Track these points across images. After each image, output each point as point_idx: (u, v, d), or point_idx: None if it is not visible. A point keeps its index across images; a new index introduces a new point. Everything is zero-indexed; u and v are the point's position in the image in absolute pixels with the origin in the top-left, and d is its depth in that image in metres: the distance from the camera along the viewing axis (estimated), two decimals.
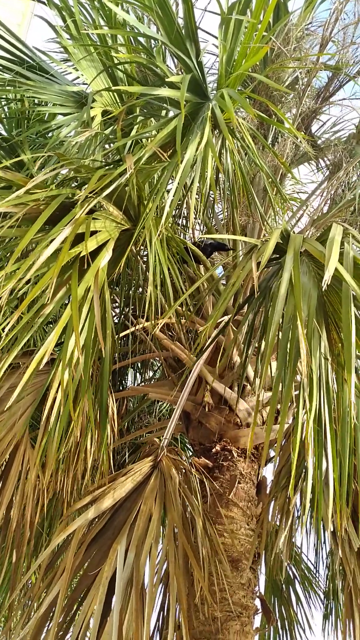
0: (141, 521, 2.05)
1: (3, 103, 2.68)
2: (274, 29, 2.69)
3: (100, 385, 2.00)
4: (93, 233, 1.90)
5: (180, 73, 2.18)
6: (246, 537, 2.53)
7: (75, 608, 1.97)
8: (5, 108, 2.72)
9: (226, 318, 2.44)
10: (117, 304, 3.05)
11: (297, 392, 1.86)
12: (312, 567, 3.56)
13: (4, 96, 2.61)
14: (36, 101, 2.68)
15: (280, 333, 1.84)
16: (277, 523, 2.46)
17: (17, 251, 1.67)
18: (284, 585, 3.45)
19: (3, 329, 1.86)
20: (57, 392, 1.79)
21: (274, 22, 2.83)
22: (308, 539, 3.52)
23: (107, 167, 2.07)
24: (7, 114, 2.72)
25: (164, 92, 2.03)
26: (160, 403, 3.40)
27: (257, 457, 2.72)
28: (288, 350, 1.76)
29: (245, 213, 2.85)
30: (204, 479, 2.42)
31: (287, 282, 1.79)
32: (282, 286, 1.78)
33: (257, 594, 2.60)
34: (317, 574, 3.54)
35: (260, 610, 2.62)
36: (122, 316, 3.01)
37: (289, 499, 2.34)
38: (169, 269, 2.10)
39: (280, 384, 1.77)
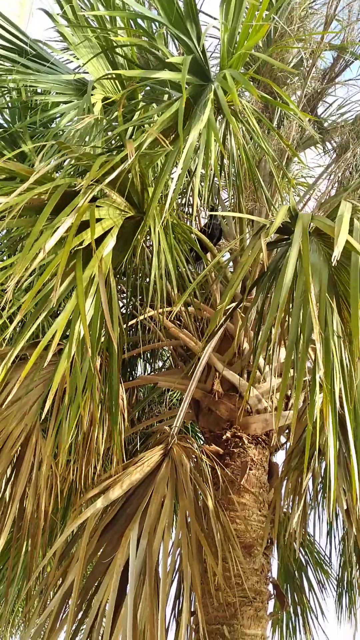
0: (153, 509, 2.05)
1: (3, 92, 2.66)
2: (277, 6, 2.62)
3: (110, 375, 1.99)
4: (97, 221, 1.87)
5: (182, 56, 2.14)
6: (258, 523, 2.53)
7: (90, 595, 1.98)
8: (6, 97, 2.69)
9: (234, 305, 2.42)
10: (124, 295, 3.03)
11: (307, 377, 1.83)
12: (325, 554, 3.57)
13: (4, 86, 2.59)
14: (37, 90, 2.66)
15: (290, 314, 1.81)
16: (289, 509, 2.45)
17: (28, 243, 1.65)
18: (296, 572, 3.46)
19: (10, 320, 1.86)
20: (64, 382, 1.78)
21: (276, 0, 2.77)
22: (320, 525, 3.52)
23: (108, 154, 2.04)
24: (8, 103, 2.69)
25: (165, 74, 2.00)
26: (170, 392, 3.39)
27: (267, 443, 2.71)
28: (299, 329, 1.73)
29: (251, 198, 2.81)
30: (215, 466, 2.42)
31: (295, 256, 1.75)
32: (291, 260, 1.75)
33: (271, 580, 2.60)
34: (330, 561, 3.54)
35: (273, 596, 2.63)
36: (131, 306, 3.00)
37: (300, 480, 2.33)
38: (175, 257, 2.08)
39: (292, 366, 1.74)
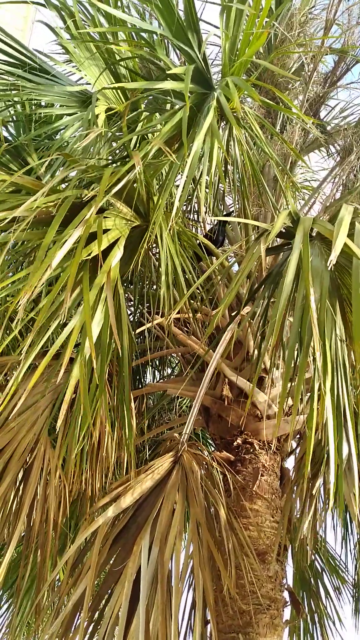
0: (164, 516, 2.05)
1: (7, 106, 2.69)
2: (277, 13, 2.64)
3: (120, 383, 2.00)
4: (104, 232, 1.89)
5: (184, 65, 2.16)
6: (271, 529, 2.51)
7: (103, 605, 1.98)
8: (11, 111, 2.73)
9: (240, 309, 2.42)
10: (132, 302, 3.05)
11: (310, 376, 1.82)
12: (340, 560, 3.53)
13: (9, 99, 2.62)
14: (41, 103, 2.69)
15: (292, 318, 1.81)
16: (302, 515, 2.43)
17: (40, 256, 1.67)
18: (312, 578, 3.42)
19: (21, 333, 1.87)
20: (74, 392, 1.79)
21: (276, 7, 2.79)
22: (335, 530, 3.49)
23: (114, 165, 2.06)
24: (13, 117, 2.73)
25: (167, 84, 2.02)
26: (180, 399, 3.39)
27: (279, 448, 2.70)
28: (300, 332, 1.73)
29: (256, 203, 2.82)
30: (227, 473, 2.41)
31: (296, 261, 1.76)
32: (291, 264, 1.75)
33: (286, 587, 2.58)
34: (346, 567, 3.50)
35: (289, 603, 2.61)
36: (138, 314, 3.01)
37: (311, 485, 2.31)
38: (181, 264, 2.09)
39: (295, 371, 1.74)
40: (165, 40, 2.47)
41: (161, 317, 2.62)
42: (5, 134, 2.75)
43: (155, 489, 2.22)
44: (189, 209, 2.90)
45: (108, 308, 1.74)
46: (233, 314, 2.65)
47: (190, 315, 2.65)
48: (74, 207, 1.85)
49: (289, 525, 2.58)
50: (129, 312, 3.11)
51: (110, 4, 2.46)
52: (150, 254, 2.49)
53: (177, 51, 2.73)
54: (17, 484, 2.32)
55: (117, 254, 1.87)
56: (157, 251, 2.20)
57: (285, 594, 2.57)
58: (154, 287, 2.70)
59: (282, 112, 2.77)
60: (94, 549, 1.96)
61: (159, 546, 1.97)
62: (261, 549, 2.44)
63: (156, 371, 3.65)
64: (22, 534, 2.34)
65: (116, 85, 2.45)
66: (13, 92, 2.54)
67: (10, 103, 2.67)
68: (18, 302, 1.62)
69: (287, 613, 2.59)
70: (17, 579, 2.56)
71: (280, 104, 2.84)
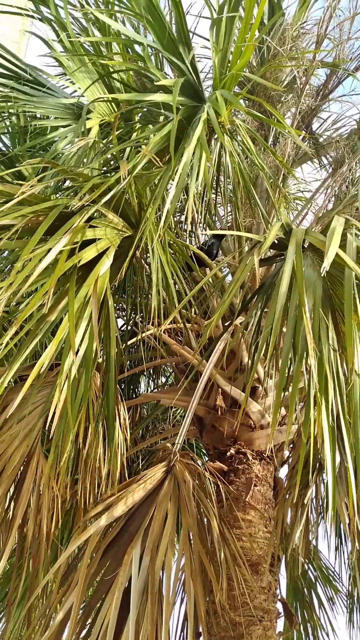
0: (155, 526, 2.04)
1: (2, 118, 2.72)
2: (267, 27, 2.68)
3: (106, 394, 2.00)
4: (93, 241, 1.91)
5: (176, 78, 2.19)
6: (264, 539, 2.51)
7: (93, 615, 1.96)
8: (6, 122, 2.75)
9: (233, 319, 2.43)
10: (124, 312, 3.05)
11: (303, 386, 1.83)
12: (334, 570, 3.51)
13: (3, 111, 2.65)
14: (36, 115, 2.72)
15: (285, 328, 1.82)
16: (293, 523, 2.43)
17: (20, 262, 1.68)
18: (305, 589, 3.40)
19: (8, 341, 1.87)
20: (61, 403, 1.79)
21: (268, 21, 2.83)
22: (329, 540, 3.48)
23: (104, 175, 2.08)
24: (8, 128, 2.76)
25: (157, 97, 2.05)
26: (174, 409, 3.39)
27: (272, 458, 2.70)
28: (294, 342, 1.74)
29: (249, 214, 2.84)
30: (219, 483, 2.41)
31: (289, 271, 1.78)
32: (284, 275, 1.77)
33: (279, 598, 2.57)
34: (340, 577, 3.49)
35: (282, 614, 2.59)
36: (131, 323, 3.02)
37: (303, 494, 2.31)
38: (172, 273, 2.10)
39: (288, 382, 1.75)
40: (160, 54, 2.50)
41: (152, 326, 2.63)
42: (0, 145, 2.78)
43: (147, 499, 2.22)
44: (181, 219, 2.92)
45: (93, 317, 1.74)
46: (226, 324, 2.66)
47: (183, 325, 2.66)
48: (64, 217, 1.86)
49: (282, 536, 2.57)
50: (122, 322, 3.12)
51: (104, 14, 2.49)
52: (144, 263, 2.50)
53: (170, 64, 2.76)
54: (10, 495, 2.31)
55: (106, 263, 1.88)
56: (149, 261, 2.21)
57: (279, 605, 2.56)
58: (147, 296, 2.71)
59: (273, 125, 2.80)
60: (85, 559, 1.95)
61: (150, 556, 1.97)
62: (254, 560, 2.44)
63: (150, 380, 3.65)
64: (14, 546, 2.33)
65: (107, 96, 2.48)
66: (8, 104, 2.57)
67: (5, 115, 2.70)
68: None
69: (280, 624, 2.58)
70: (7, 590, 2.54)
71: (273, 117, 2.87)
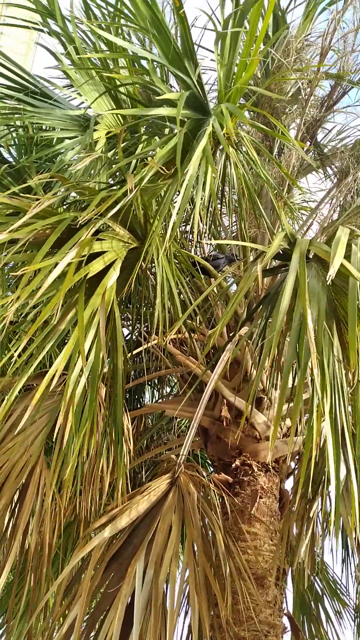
0: (159, 538, 2.03)
1: (9, 130, 2.75)
2: (272, 41, 2.71)
3: (113, 404, 2.00)
4: (100, 254, 1.92)
5: (181, 90, 2.22)
6: (270, 553, 2.48)
7: (96, 629, 1.95)
8: (13, 134, 2.78)
9: (237, 329, 2.43)
10: (129, 322, 3.06)
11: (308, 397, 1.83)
12: (341, 582, 3.47)
13: (11, 123, 2.68)
14: (42, 127, 2.74)
15: (289, 338, 1.82)
16: (299, 536, 2.40)
17: (26, 276, 1.69)
18: (312, 603, 3.36)
19: (17, 352, 1.87)
20: (67, 414, 1.79)
21: (272, 34, 2.85)
22: (335, 553, 3.44)
23: (110, 188, 2.10)
24: (15, 140, 2.78)
25: (162, 111, 2.07)
26: (178, 419, 3.38)
27: (277, 470, 2.68)
28: (298, 352, 1.73)
29: (253, 225, 2.85)
30: (224, 495, 2.39)
31: (292, 282, 1.78)
32: (288, 285, 1.77)
33: (285, 612, 2.54)
34: (347, 590, 3.44)
35: (288, 629, 2.56)
36: (137, 333, 3.02)
37: (309, 507, 2.29)
38: (177, 284, 2.11)
39: (292, 393, 1.74)
40: (165, 67, 2.52)
41: (158, 336, 2.63)
42: (7, 156, 2.80)
43: (151, 511, 2.21)
44: (186, 228, 2.93)
45: (100, 329, 1.75)
46: (231, 334, 2.66)
47: (188, 336, 2.66)
48: (71, 230, 1.87)
49: (287, 549, 2.54)
50: (127, 332, 3.13)
51: (111, 30, 2.53)
52: (149, 273, 2.51)
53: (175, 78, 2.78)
54: (13, 505, 2.30)
55: (113, 275, 1.90)
56: (155, 272, 2.22)
57: (285, 620, 2.53)
58: (152, 306, 2.71)
59: (277, 137, 2.81)
60: (88, 571, 1.94)
61: (154, 569, 1.95)
62: (259, 573, 2.41)
63: (155, 390, 3.64)
64: (16, 557, 2.31)
65: (114, 111, 2.50)
66: (15, 115, 2.59)
67: (12, 126, 2.72)
68: (3, 321, 1.64)
69: (286, 639, 2.54)
70: (9, 602, 2.53)
71: (278, 128, 2.89)
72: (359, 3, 3.03)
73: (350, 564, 3.41)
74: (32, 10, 2.68)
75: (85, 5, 2.64)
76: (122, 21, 2.33)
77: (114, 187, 2.11)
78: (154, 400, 3.58)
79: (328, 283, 1.67)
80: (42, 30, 2.70)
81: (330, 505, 1.88)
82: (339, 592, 3.47)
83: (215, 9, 2.76)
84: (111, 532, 2.07)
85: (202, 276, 2.57)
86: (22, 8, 2.65)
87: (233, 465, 2.63)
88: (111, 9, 2.44)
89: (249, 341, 2.66)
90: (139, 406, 3.35)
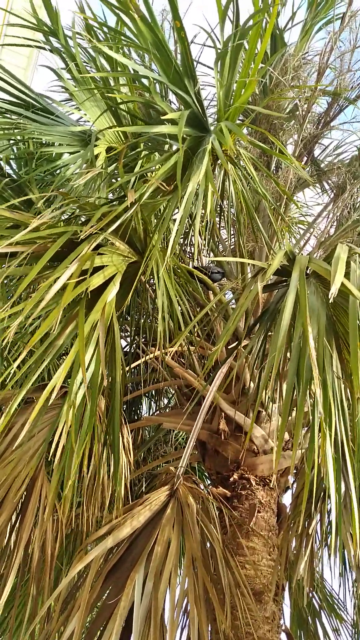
0: (159, 551, 2.03)
1: (10, 144, 2.78)
2: (271, 60, 2.76)
3: (111, 417, 2.01)
4: (100, 268, 1.94)
5: (181, 109, 2.26)
6: (268, 567, 2.47)
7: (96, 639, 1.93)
8: (14, 149, 2.81)
9: (236, 344, 2.45)
10: (128, 334, 3.07)
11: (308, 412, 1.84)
12: (338, 598, 3.45)
13: (12, 138, 2.71)
14: (43, 142, 2.78)
15: (289, 354, 1.84)
16: (298, 553, 2.40)
17: (22, 287, 1.71)
18: (309, 618, 3.34)
19: (17, 365, 1.89)
20: (68, 426, 1.80)
21: (271, 54, 2.91)
22: (333, 568, 3.42)
23: (111, 204, 2.13)
24: (16, 155, 2.81)
25: (163, 129, 2.10)
26: (176, 432, 3.37)
27: (276, 484, 2.68)
28: (298, 369, 1.75)
29: (251, 239, 2.88)
30: (223, 509, 2.39)
31: (292, 299, 1.80)
32: (288, 302, 1.79)
33: (283, 628, 2.53)
34: (345, 606, 3.42)
35: None
36: (135, 345, 3.03)
37: (308, 523, 2.29)
38: (177, 297, 2.13)
39: (291, 407, 1.76)
40: (165, 86, 2.57)
41: (158, 349, 2.65)
42: (9, 171, 2.83)
43: (150, 523, 2.20)
44: (185, 242, 2.96)
45: (103, 341, 1.76)
46: (230, 347, 2.67)
47: (186, 348, 2.67)
48: (72, 244, 1.89)
49: (286, 564, 2.54)
50: (126, 344, 3.14)
51: (112, 48, 2.57)
52: (148, 287, 2.53)
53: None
54: (15, 518, 2.30)
55: (113, 290, 1.92)
56: (154, 284, 2.24)
57: (283, 636, 2.51)
58: (150, 319, 2.73)
59: (274, 155, 2.86)
60: (87, 583, 1.93)
61: (153, 581, 1.95)
62: (258, 589, 2.40)
63: (152, 402, 3.64)
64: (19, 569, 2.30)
65: (115, 128, 2.54)
66: (16, 130, 2.62)
67: (13, 141, 2.76)
68: (5, 337, 1.65)
69: None
70: (9, 613, 2.51)
71: (276, 145, 2.93)
72: (355, 24, 3.10)
73: (347, 579, 3.40)
74: (35, 29, 2.72)
75: (87, 26, 2.69)
76: (124, 41, 2.38)
77: (114, 203, 2.14)
78: (150, 413, 3.58)
79: (330, 301, 1.69)
80: (44, 48, 2.75)
81: (330, 520, 1.88)
82: (336, 607, 3.45)
83: (214, 27, 2.83)
84: (110, 544, 2.07)
85: (200, 289, 2.59)
86: (25, 21, 2.69)
87: (231, 479, 2.63)
88: (112, 26, 2.48)
89: (248, 355, 2.68)
90: (136, 418, 3.35)
